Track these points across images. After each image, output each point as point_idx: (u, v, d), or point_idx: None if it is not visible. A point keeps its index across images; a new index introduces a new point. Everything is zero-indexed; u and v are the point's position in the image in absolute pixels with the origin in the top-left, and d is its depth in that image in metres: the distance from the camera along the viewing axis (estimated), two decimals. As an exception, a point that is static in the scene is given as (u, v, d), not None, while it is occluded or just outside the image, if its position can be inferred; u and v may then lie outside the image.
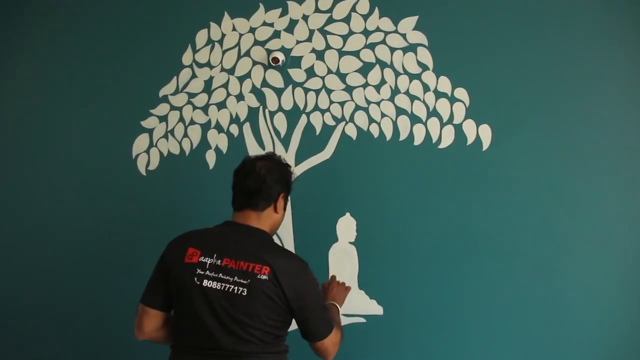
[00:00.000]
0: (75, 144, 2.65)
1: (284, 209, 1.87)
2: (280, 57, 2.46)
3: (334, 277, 2.22)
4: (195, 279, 1.69)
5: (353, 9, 2.48)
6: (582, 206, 2.35)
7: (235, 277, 1.67)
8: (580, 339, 2.34)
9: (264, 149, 2.52)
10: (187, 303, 1.70)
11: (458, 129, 2.41)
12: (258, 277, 1.67)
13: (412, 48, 2.44)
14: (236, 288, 1.67)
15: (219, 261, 1.69)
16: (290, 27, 2.50)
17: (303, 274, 1.73)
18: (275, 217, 1.83)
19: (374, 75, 2.46)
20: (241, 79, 2.54)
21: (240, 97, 2.54)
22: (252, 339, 1.71)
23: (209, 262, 1.70)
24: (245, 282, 1.67)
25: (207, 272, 1.69)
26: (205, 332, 1.69)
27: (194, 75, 2.56)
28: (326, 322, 1.79)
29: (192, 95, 2.56)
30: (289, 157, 2.50)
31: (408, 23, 2.44)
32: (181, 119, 2.57)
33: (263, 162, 1.81)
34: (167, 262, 1.76)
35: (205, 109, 2.56)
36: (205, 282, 1.69)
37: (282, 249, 1.83)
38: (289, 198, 1.89)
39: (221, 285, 1.68)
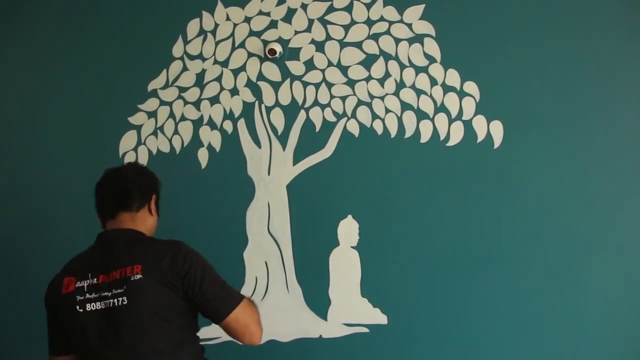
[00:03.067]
0: (59, 141, 2.59)
1: (158, 214, 1.81)
2: (278, 48, 2.42)
3: None
4: (77, 307, 1.62)
5: (355, -3, 2.43)
6: (600, 208, 2.31)
7: (113, 289, 1.60)
8: (598, 350, 2.31)
9: (260, 146, 2.48)
10: (80, 334, 1.63)
11: (467, 125, 2.37)
12: (132, 279, 1.59)
13: (418, 39, 2.40)
14: (116, 300, 1.59)
15: (95, 280, 1.63)
16: (288, 17, 2.46)
17: (179, 248, 1.64)
18: (151, 220, 1.77)
19: (378, 68, 2.41)
20: (235, 72, 2.49)
21: (234, 92, 2.49)
22: (155, 348, 1.61)
23: (86, 284, 1.63)
24: (122, 290, 1.59)
25: (87, 295, 1.62)
26: (103, 356, 1.62)
27: (185, 68, 2.52)
28: (228, 292, 1.66)
29: (183, 90, 2.52)
30: (286, 156, 2.46)
31: (414, 12, 2.40)
32: (171, 115, 2.52)
33: (127, 168, 1.81)
34: (50, 303, 1.70)
35: (197, 104, 2.51)
36: (89, 306, 1.61)
37: (154, 240, 1.72)
38: (159, 204, 1.82)
39: (103, 304, 1.61)
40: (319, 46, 2.44)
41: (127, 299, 1.58)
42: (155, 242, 1.70)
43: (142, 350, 1.59)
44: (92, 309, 1.60)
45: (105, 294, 1.60)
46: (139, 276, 1.59)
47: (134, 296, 1.58)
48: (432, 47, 2.38)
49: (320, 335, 2.42)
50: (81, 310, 1.61)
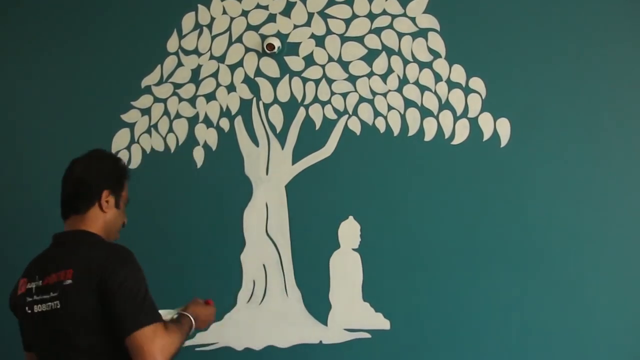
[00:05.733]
0: (49, 139, 2.56)
1: (117, 206, 1.75)
2: (276, 43, 2.39)
3: (208, 302, 1.90)
4: (27, 308, 1.66)
5: (357, -10, 2.41)
6: (609, 208, 2.28)
7: (51, 293, 1.63)
8: (605, 352, 2.29)
9: (257, 145, 2.46)
10: (32, 334, 1.69)
11: (473, 123, 2.35)
12: (64, 283, 1.60)
13: (422, 33, 2.38)
14: (53, 304, 1.62)
15: (41, 282, 1.66)
16: (287, 10, 2.44)
17: (114, 254, 1.61)
18: (105, 217, 1.73)
19: (380, 64, 2.39)
20: (232, 68, 2.48)
21: (231, 88, 2.47)
22: (89, 355, 1.60)
23: (34, 286, 1.66)
24: (55, 294, 1.62)
25: (35, 297, 1.65)
26: (51, 356, 1.66)
27: (180, 64, 2.50)
28: (139, 311, 1.51)
29: (177, 86, 2.50)
30: (285, 154, 2.44)
31: (418, 5, 2.38)
32: (166, 112, 2.50)
33: (81, 160, 1.75)
34: (10, 303, 1.76)
35: (192, 101, 2.49)
36: (36, 308, 1.64)
37: (98, 244, 1.67)
38: (122, 195, 1.75)
39: (46, 306, 1.64)
40: (319, 41, 2.41)
41: (59, 304, 1.60)
42: (98, 246, 1.65)
43: (65, 358, 1.61)
44: (37, 310, 1.64)
45: (47, 296, 1.64)
46: (68, 281, 1.60)
47: (64, 301, 1.59)
48: (437, 42, 2.35)
49: (321, 341, 2.39)
50: (29, 311, 1.65)
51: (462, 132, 2.34)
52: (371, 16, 2.38)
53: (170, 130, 2.49)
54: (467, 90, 2.34)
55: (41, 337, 1.65)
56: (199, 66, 2.47)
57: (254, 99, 2.45)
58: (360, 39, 2.39)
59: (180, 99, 2.48)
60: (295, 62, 2.42)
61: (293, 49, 2.42)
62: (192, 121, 2.48)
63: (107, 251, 1.62)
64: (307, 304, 2.40)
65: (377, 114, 2.38)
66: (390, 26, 2.38)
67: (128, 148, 2.49)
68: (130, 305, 1.52)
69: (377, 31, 2.38)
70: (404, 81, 2.37)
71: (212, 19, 2.47)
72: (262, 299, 2.42)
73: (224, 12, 2.46)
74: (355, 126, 2.39)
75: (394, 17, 2.37)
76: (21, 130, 2.56)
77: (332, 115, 2.40)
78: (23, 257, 2.49)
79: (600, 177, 2.28)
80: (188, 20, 2.47)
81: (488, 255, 2.32)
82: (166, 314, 1.70)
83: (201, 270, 2.40)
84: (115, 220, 1.75)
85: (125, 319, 1.50)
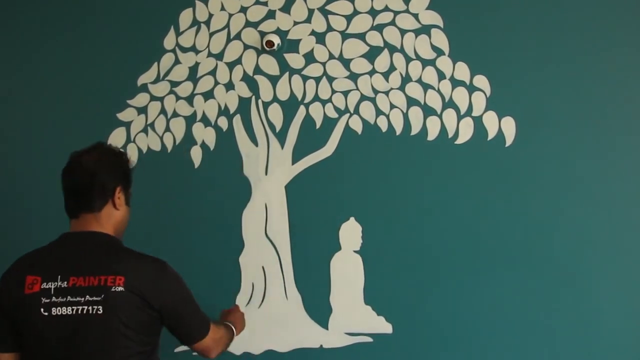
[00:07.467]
0: (43, 138, 2.53)
1: (127, 204, 1.77)
2: (276, 40, 2.37)
3: (237, 306, 2.24)
4: (42, 309, 1.59)
5: (358, -14, 2.40)
6: (615, 209, 2.28)
7: (87, 296, 1.59)
8: (611, 355, 2.29)
9: (256, 144, 2.43)
10: (39, 338, 1.61)
11: (477, 122, 2.34)
12: (113, 289, 1.59)
13: (425, 30, 2.36)
14: (90, 308, 1.59)
15: (65, 283, 1.60)
16: (287, 7, 2.42)
17: (162, 273, 1.67)
18: (117, 215, 1.73)
19: (382, 61, 2.37)
20: (231, 66, 2.45)
21: (229, 86, 2.45)
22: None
23: (53, 287, 1.60)
24: (98, 298, 1.58)
25: (54, 299, 1.59)
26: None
27: (177, 61, 2.47)
28: (201, 320, 1.77)
29: (175, 84, 2.48)
30: (285, 154, 2.42)
31: (420, 1, 2.37)
32: (163, 111, 2.48)
33: (90, 154, 1.71)
34: (3, 299, 1.64)
35: (190, 99, 2.47)
36: (55, 311, 1.59)
37: (133, 252, 1.71)
38: (130, 191, 1.79)
39: (73, 309, 1.59)
40: (320, 38, 2.39)
41: (102, 309, 1.58)
42: (139, 256, 1.69)
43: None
44: (58, 313, 1.58)
45: (77, 299, 1.59)
46: (120, 288, 1.58)
47: (111, 307, 1.58)
48: (440, 39, 2.34)
49: (321, 345, 2.38)
50: (46, 313, 1.58)
51: (466, 131, 2.32)
52: (373, 12, 2.36)
53: (167, 129, 2.47)
54: (471, 89, 2.33)
55: (57, 341, 1.58)
56: (197, 64, 2.45)
57: (253, 97, 2.43)
58: (361, 36, 2.37)
59: (178, 98, 2.46)
60: (295, 60, 2.40)
61: (293, 46, 2.40)
62: (190, 120, 2.46)
63: (155, 264, 1.66)
64: (307, 307, 2.38)
65: (379, 112, 2.37)
66: (393, 23, 2.36)
67: (124, 147, 2.46)
68: (194, 320, 1.74)
69: (379, 28, 2.36)
70: (406, 79, 2.36)
71: (210, 15, 2.44)
72: (262, 302, 2.41)
73: (222, 9, 2.44)
74: (356, 125, 2.37)
75: (396, 13, 2.36)
76: (15, 129, 2.54)
77: (332, 114, 2.39)
78: (12, 256, 2.54)
79: (607, 177, 2.27)
80: (185, 17, 2.45)
81: (492, 257, 2.31)
82: None
83: (199, 273, 2.37)
84: (125, 218, 1.75)
85: (192, 332, 1.73)
